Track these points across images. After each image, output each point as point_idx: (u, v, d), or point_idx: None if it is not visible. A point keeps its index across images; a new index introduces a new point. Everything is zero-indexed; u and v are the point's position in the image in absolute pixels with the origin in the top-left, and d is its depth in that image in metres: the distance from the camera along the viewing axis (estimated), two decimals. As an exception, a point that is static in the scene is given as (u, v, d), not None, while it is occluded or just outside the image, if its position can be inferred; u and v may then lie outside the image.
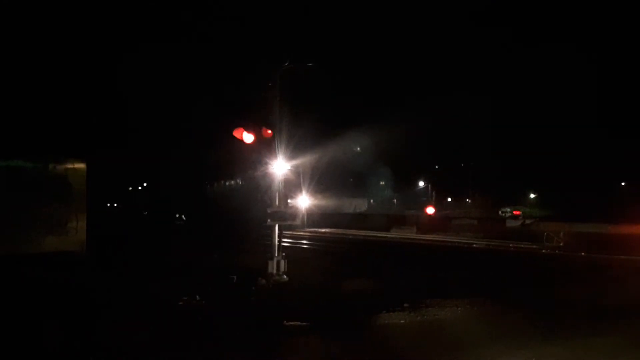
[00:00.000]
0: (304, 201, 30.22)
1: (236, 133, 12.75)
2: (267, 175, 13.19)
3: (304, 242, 24.77)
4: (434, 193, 55.10)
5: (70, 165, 14.81)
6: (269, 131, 12.94)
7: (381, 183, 61.20)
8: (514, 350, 7.75)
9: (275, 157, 13.15)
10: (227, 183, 42.67)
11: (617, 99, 52.46)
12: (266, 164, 13.03)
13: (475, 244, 26.01)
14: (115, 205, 51.12)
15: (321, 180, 49.15)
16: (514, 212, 45.40)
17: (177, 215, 44.15)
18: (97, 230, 18.33)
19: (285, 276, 12.63)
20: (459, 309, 10.38)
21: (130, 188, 51.48)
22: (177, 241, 24.67)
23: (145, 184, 52.61)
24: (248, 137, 12.77)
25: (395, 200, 66.21)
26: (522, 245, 24.67)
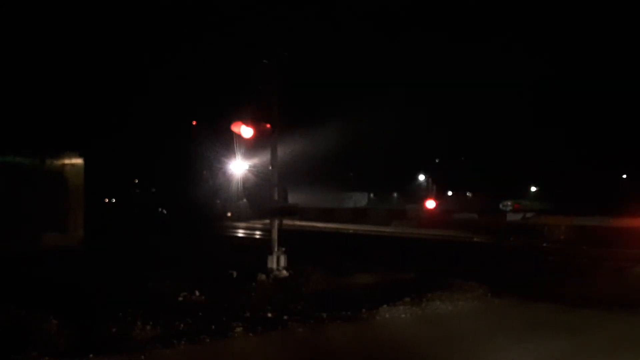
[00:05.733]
0: (300, 195, 30.74)
1: (234, 127, 12.67)
2: (260, 170, 13.17)
3: (304, 236, 24.72)
4: (434, 187, 54.97)
5: (67, 161, 14.72)
6: (268, 125, 12.84)
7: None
8: (515, 344, 7.71)
9: (273, 151, 13.07)
10: (208, 178, 43.98)
11: (617, 93, 52.29)
12: (262, 158, 13.00)
13: (476, 238, 25.95)
14: (114, 200, 51.70)
15: (320, 174, 49.40)
16: (515, 206, 45.31)
17: (160, 210, 46.11)
18: (95, 225, 18.29)
19: (285, 271, 12.56)
20: (460, 302, 10.34)
21: (127, 183, 52.23)
22: (159, 233, 25.54)
23: (137, 180, 53.66)
24: (247, 132, 12.68)
25: (395, 195, 66.15)
26: (523, 239, 24.61)
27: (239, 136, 12.90)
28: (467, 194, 61.72)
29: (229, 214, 42.86)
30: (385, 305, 9.67)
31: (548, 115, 53.57)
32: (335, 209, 45.16)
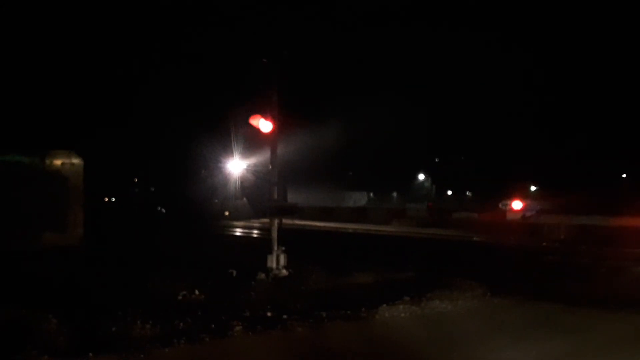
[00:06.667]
0: (300, 194, 30.86)
1: (233, 126, 12.67)
2: (258, 169, 13.18)
3: (303, 236, 24.71)
4: (434, 186, 55.06)
5: (67, 160, 14.70)
6: (270, 124, 12.85)
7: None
8: (514, 343, 7.71)
9: (273, 150, 13.08)
10: (207, 177, 44.33)
11: (617, 92, 52.36)
12: (260, 157, 13.00)
13: (475, 237, 25.93)
14: (113, 199, 51.88)
15: (320, 173, 49.43)
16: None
17: (158, 209, 46.59)
18: (94, 224, 18.29)
19: (284, 270, 12.56)
20: (460, 302, 10.34)
21: (126, 182, 52.47)
22: (159, 232, 25.98)
23: (136, 180, 53.95)
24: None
25: (395, 194, 66.18)
26: (523, 239, 24.61)
27: (238, 135, 12.92)
28: (467, 193, 61.77)
29: (226, 213, 43.17)
30: (384, 305, 9.68)
31: (548, 115, 53.67)
32: (335, 208, 45.15)
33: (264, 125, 12.73)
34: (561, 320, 9.14)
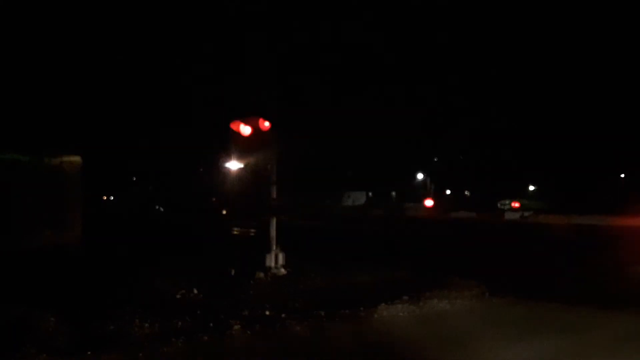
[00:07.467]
0: (299, 193, 31.03)
1: (233, 125, 12.66)
2: (258, 168, 13.19)
3: (302, 235, 24.72)
4: (432, 186, 55.03)
5: (65, 158, 14.67)
6: (267, 123, 12.83)
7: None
8: (513, 342, 7.72)
9: (272, 149, 13.07)
10: (203, 175, 44.51)
11: (616, 92, 52.35)
12: (259, 156, 13.01)
13: (474, 236, 25.96)
14: (112, 198, 52.05)
15: (319, 172, 49.47)
16: (513, 205, 45.41)
17: (157, 207, 46.89)
18: (93, 223, 18.31)
19: (283, 269, 12.58)
20: (458, 301, 10.34)
21: (125, 181, 52.59)
22: (157, 231, 26.09)
23: (134, 178, 54.08)
24: (245, 130, 12.68)
25: (394, 193, 66.17)
26: (521, 238, 24.65)
27: (237, 134, 12.91)
28: (466, 192, 61.84)
29: (224, 212, 43.37)
30: (383, 304, 9.68)
31: (546, 114, 53.63)
32: (334, 207, 45.23)
33: (262, 124, 12.70)
34: (560, 320, 9.15)
